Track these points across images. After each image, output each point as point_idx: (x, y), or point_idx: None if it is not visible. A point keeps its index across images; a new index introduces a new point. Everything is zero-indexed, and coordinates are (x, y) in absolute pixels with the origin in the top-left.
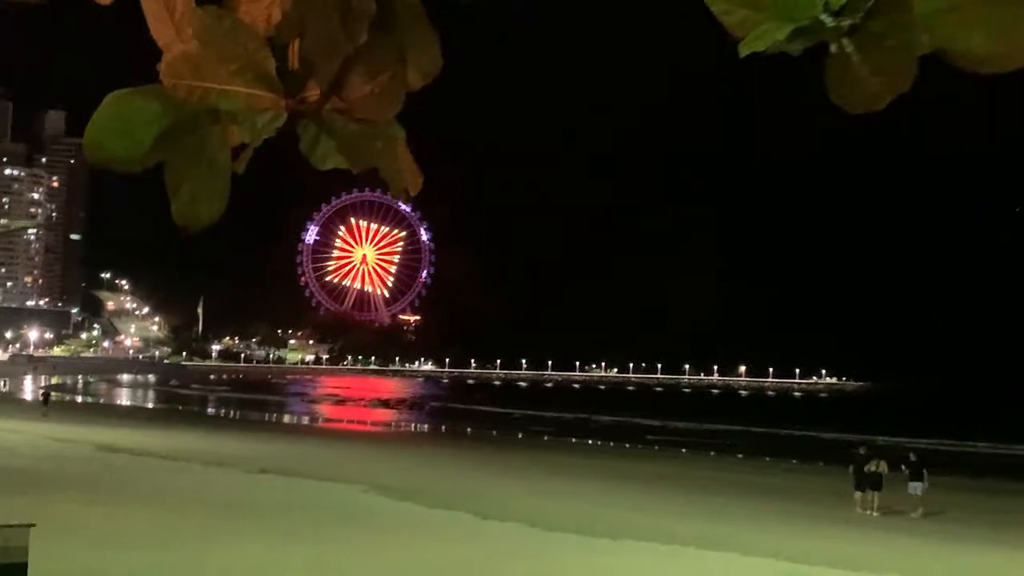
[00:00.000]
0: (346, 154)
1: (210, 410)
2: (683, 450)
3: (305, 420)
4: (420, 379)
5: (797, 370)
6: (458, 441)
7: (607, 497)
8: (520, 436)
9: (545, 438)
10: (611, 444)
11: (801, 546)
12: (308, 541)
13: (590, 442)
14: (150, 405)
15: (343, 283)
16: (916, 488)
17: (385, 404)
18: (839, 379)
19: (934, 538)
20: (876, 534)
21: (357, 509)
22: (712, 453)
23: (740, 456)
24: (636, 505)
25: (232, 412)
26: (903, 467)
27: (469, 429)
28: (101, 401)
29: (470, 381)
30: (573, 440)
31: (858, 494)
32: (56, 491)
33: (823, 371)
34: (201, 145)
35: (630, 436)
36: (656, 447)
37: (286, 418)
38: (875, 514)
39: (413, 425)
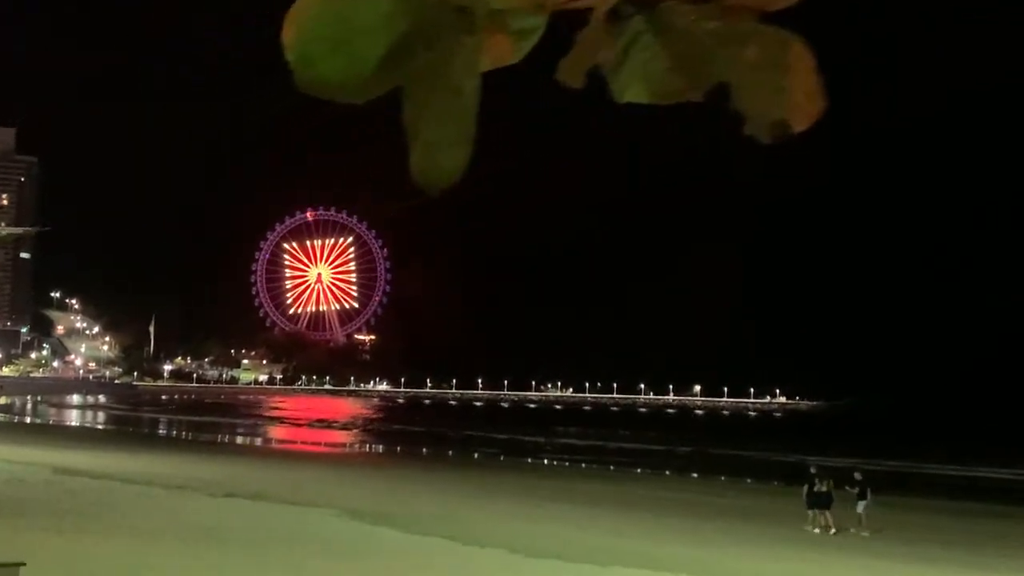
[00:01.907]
0: (686, 66)
1: (165, 431)
2: (638, 470)
3: (263, 442)
4: (375, 399)
5: (752, 390)
6: (419, 462)
7: (579, 520)
8: (478, 457)
9: (501, 458)
10: (566, 464)
11: (791, 570)
12: (288, 571)
13: (545, 462)
14: (104, 426)
15: (297, 302)
16: (862, 507)
17: (343, 425)
18: (793, 399)
19: (911, 559)
20: (856, 556)
21: (332, 535)
22: (667, 472)
23: (695, 476)
24: (611, 528)
25: (188, 433)
26: (847, 487)
27: (428, 450)
28: (53, 422)
29: (426, 401)
30: (529, 460)
31: (810, 513)
32: (18, 517)
33: (777, 391)
34: (447, 65)
35: (587, 455)
36: (611, 467)
37: (244, 440)
38: (829, 532)
39: (373, 446)
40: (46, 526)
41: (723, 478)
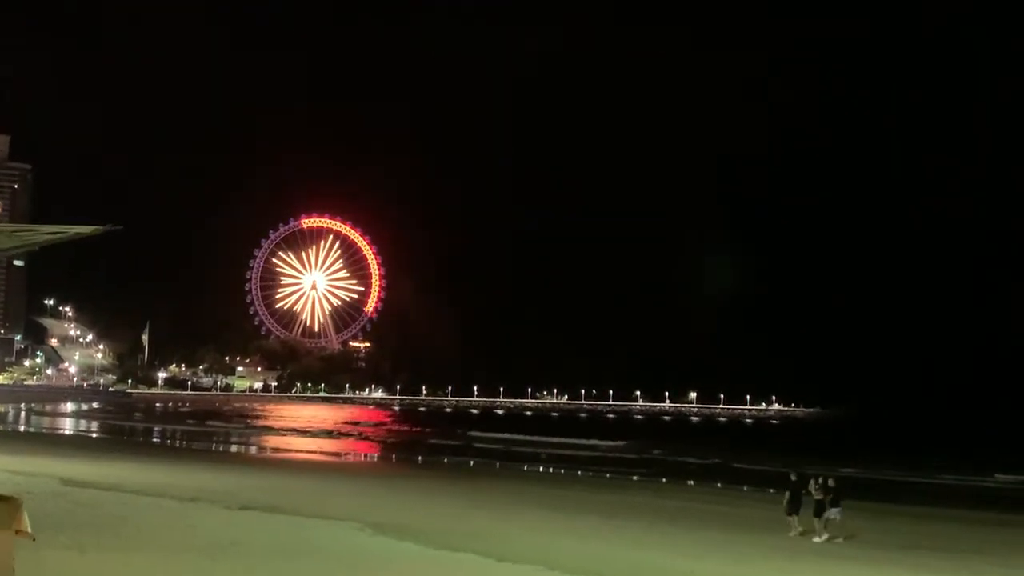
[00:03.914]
0: None
1: (166, 440)
2: (634, 478)
3: (266, 450)
4: (371, 406)
5: (748, 396)
6: (428, 471)
7: (603, 532)
8: (487, 466)
9: (497, 466)
10: (561, 471)
11: None
12: None
13: (547, 470)
14: (103, 435)
15: (292, 309)
16: (835, 513)
17: (345, 433)
18: (789, 406)
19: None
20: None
21: (357, 550)
22: (664, 480)
23: (691, 483)
24: (638, 541)
25: (189, 442)
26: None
27: (435, 459)
28: (52, 431)
29: (421, 408)
30: (525, 468)
31: (791, 519)
32: (35, 532)
33: (773, 397)
34: None
35: (588, 465)
36: (607, 474)
37: (247, 448)
38: (820, 539)
39: (379, 455)
40: (66, 543)
41: (719, 485)
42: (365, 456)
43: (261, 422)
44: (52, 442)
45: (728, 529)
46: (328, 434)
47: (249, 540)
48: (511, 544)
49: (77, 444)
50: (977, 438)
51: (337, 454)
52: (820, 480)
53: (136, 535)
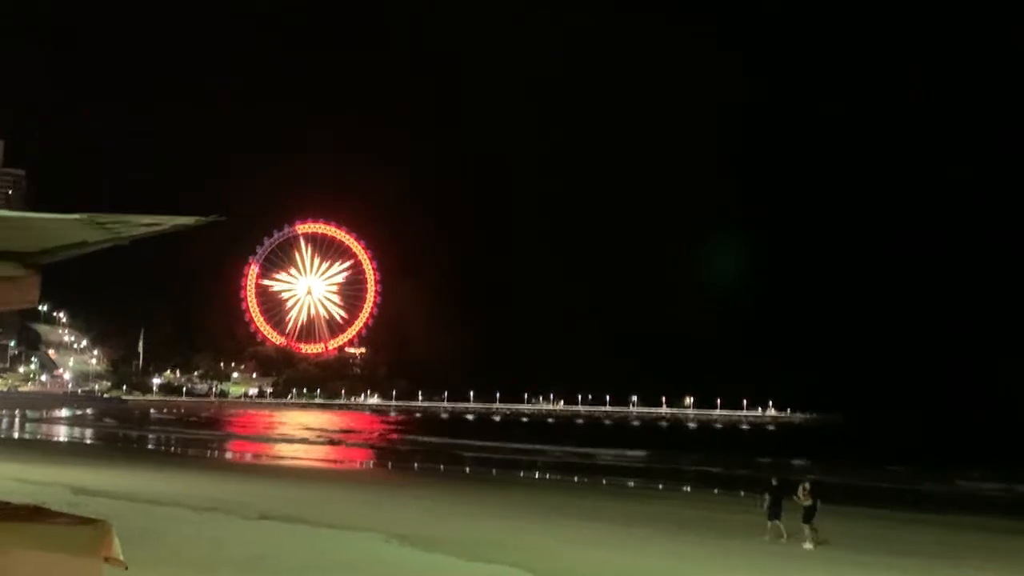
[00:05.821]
0: None
1: (168, 447)
2: (631, 484)
3: (270, 457)
4: (366, 412)
5: (744, 401)
6: (439, 479)
7: (635, 543)
8: (481, 472)
9: (494, 472)
10: (582, 481)
11: None
12: None
13: (544, 476)
14: (103, 442)
15: (287, 315)
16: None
17: (347, 440)
18: (785, 411)
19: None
20: None
21: (389, 563)
22: (660, 486)
23: (687, 489)
24: (672, 551)
25: (189, 449)
26: (795, 497)
27: (443, 466)
28: (51, 438)
29: (417, 414)
30: (524, 476)
31: (771, 523)
32: None
33: (769, 403)
34: None
35: (598, 472)
36: (604, 481)
37: (250, 456)
38: (810, 545)
39: (385, 462)
40: None
41: (716, 491)
42: (362, 463)
43: (259, 428)
44: (53, 449)
45: (751, 537)
46: (326, 441)
47: (277, 553)
48: (542, 556)
49: (78, 451)
50: (969, 443)
51: (335, 460)
52: (807, 486)
53: (165, 549)
